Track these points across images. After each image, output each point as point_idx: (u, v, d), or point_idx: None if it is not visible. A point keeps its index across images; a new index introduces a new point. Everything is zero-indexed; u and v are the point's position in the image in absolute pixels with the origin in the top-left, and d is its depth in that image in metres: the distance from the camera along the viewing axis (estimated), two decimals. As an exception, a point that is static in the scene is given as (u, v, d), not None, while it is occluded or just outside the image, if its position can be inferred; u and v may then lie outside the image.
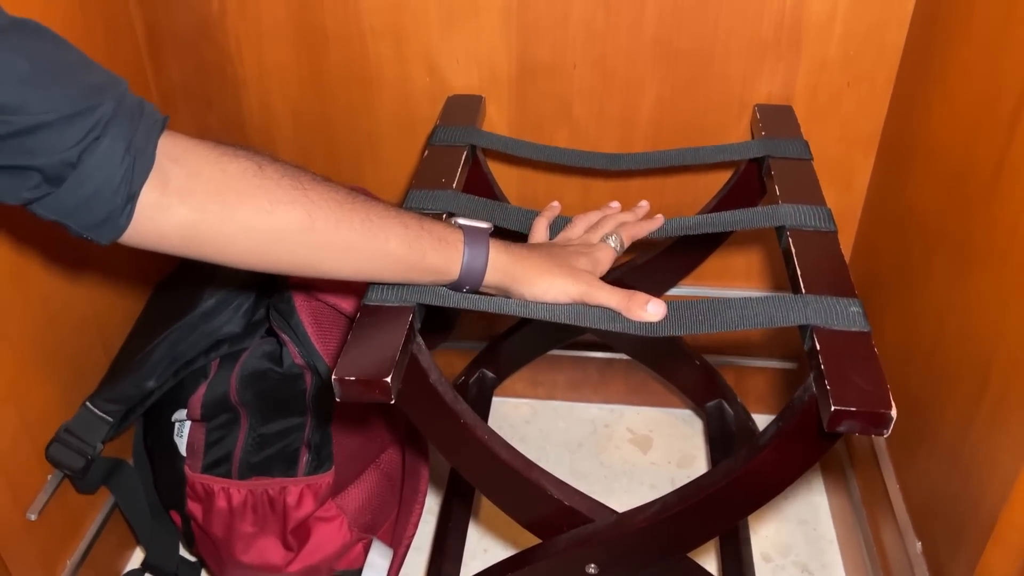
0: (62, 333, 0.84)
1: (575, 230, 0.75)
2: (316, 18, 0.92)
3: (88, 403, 0.85)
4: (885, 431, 0.52)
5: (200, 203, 0.54)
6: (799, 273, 0.64)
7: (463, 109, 0.91)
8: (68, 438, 0.83)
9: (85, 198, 0.50)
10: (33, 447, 0.81)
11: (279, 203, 0.55)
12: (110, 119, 0.50)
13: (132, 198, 0.52)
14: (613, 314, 0.63)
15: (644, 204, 0.80)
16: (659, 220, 0.76)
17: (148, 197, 0.52)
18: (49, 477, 0.83)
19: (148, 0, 0.93)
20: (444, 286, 0.64)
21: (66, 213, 0.51)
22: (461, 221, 0.66)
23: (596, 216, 0.76)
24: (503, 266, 0.64)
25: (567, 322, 0.63)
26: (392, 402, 0.57)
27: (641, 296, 0.63)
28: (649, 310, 0.62)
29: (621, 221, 0.75)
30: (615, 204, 0.79)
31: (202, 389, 0.84)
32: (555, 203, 0.79)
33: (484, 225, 0.66)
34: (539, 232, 0.76)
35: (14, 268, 0.77)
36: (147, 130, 0.52)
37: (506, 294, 0.65)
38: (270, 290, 0.85)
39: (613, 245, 0.71)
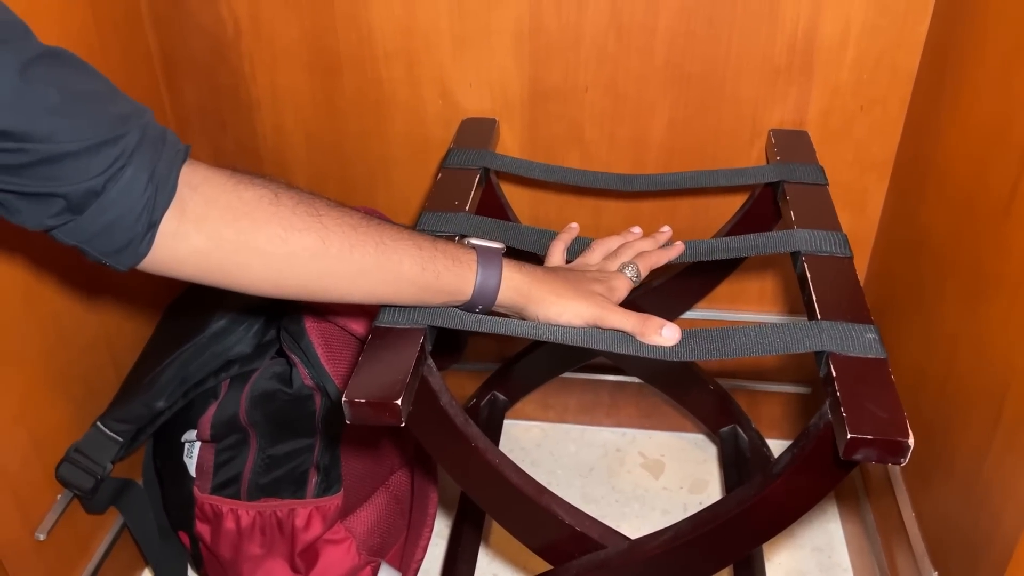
0: (73, 353, 0.85)
1: (593, 256, 0.74)
2: (330, 42, 0.93)
3: (98, 423, 0.85)
4: (902, 460, 0.51)
5: (216, 230, 0.54)
6: (815, 299, 0.64)
7: (477, 132, 0.91)
8: (78, 458, 0.83)
9: (106, 225, 0.51)
10: (43, 467, 0.81)
11: (293, 230, 0.56)
12: (135, 149, 0.51)
13: (153, 226, 0.53)
14: (627, 338, 0.63)
15: (666, 230, 0.78)
16: (679, 248, 0.75)
17: (167, 225, 0.53)
18: (58, 497, 0.83)
19: (164, 24, 0.94)
20: (457, 307, 0.64)
21: (86, 239, 0.52)
22: (474, 241, 0.66)
23: (615, 242, 0.76)
24: (516, 285, 0.64)
25: (580, 345, 0.62)
26: (402, 425, 0.57)
27: (656, 320, 0.62)
28: (664, 334, 0.62)
29: (639, 250, 0.74)
30: (636, 230, 0.78)
31: (212, 409, 0.84)
32: (573, 224, 0.79)
33: (497, 245, 0.66)
34: (555, 255, 0.75)
35: (27, 288, 0.78)
36: (170, 160, 0.53)
37: (519, 315, 0.65)
38: (281, 311, 0.85)
39: (630, 275, 0.71)
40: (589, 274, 0.69)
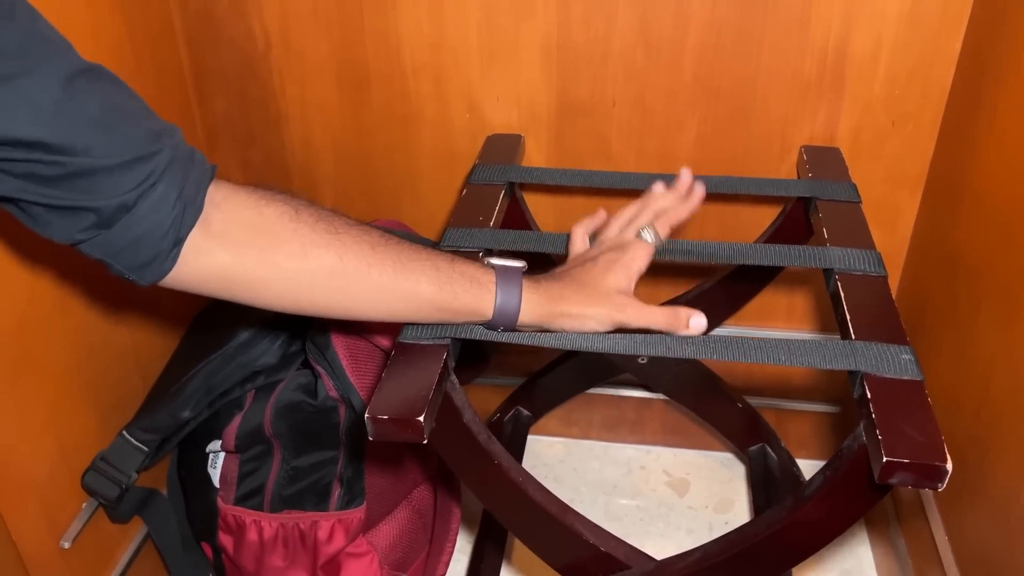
0: (102, 363, 0.85)
1: (610, 231, 0.71)
2: (358, 56, 0.93)
3: (124, 432, 0.85)
4: (940, 485, 0.50)
5: (238, 247, 0.55)
6: (848, 318, 0.63)
7: (502, 148, 0.91)
8: (104, 467, 0.84)
9: (133, 240, 0.52)
10: (69, 475, 0.82)
11: (312, 246, 0.56)
12: (166, 166, 0.52)
13: (179, 243, 0.53)
14: (654, 340, 0.61)
15: (684, 172, 0.73)
16: (699, 194, 0.72)
17: (191, 241, 0.54)
18: (83, 505, 0.84)
19: (196, 38, 0.95)
20: (480, 326, 0.63)
21: (112, 253, 0.53)
22: (494, 261, 0.65)
23: (632, 211, 0.72)
24: (535, 306, 0.63)
25: (604, 351, 0.61)
26: (425, 442, 0.56)
27: (683, 312, 0.61)
28: (692, 325, 0.61)
29: (656, 210, 0.71)
30: (658, 185, 0.73)
31: (237, 420, 0.84)
32: (601, 211, 0.75)
33: (517, 264, 0.65)
34: (576, 241, 0.73)
35: (59, 300, 0.78)
36: (198, 179, 0.54)
37: (543, 331, 0.65)
38: (306, 323, 0.85)
39: (649, 239, 0.68)
40: (603, 259, 0.66)
